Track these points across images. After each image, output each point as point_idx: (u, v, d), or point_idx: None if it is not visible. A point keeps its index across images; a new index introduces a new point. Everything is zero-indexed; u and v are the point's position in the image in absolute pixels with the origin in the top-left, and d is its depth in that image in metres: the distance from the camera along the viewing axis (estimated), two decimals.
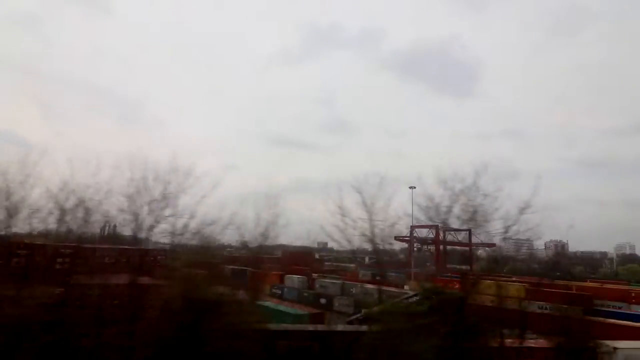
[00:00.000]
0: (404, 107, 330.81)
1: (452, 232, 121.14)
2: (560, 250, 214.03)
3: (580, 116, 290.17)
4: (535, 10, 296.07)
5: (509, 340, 15.65)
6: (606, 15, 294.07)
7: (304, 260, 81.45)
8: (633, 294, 40.90)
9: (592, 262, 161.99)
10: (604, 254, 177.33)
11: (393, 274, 65.71)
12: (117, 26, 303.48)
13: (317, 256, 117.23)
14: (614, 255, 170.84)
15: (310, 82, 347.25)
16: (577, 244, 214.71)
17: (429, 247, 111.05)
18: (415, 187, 58.36)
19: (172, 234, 15.52)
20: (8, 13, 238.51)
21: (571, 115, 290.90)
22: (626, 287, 49.95)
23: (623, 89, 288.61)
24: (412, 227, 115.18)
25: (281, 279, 56.90)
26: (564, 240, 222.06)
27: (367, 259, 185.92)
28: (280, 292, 48.59)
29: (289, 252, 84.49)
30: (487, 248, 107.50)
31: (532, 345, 16.94)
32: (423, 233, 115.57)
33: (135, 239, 17.30)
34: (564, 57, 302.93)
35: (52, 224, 14.64)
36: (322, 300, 47.21)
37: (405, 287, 51.53)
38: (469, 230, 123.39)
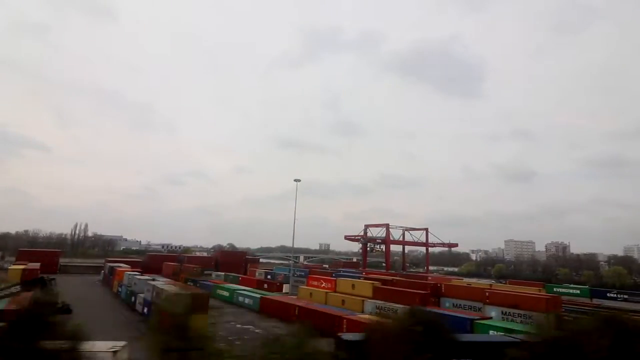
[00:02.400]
0: (410, 108, 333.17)
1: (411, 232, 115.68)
2: (554, 253, 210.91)
3: (586, 117, 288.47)
4: (536, 9, 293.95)
5: None
6: (610, 14, 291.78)
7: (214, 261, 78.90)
8: (487, 294, 39.26)
9: (588, 265, 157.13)
10: (612, 256, 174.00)
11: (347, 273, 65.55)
12: (124, 34, 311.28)
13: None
14: (606, 258, 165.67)
15: (314, 85, 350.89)
16: (583, 246, 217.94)
17: (380, 247, 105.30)
18: (300, 180, 53.84)
19: None
20: (19, 22, 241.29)
21: (578, 116, 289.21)
22: (486, 287, 47.87)
23: (628, 90, 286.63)
24: (366, 226, 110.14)
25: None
26: (566, 243, 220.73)
27: (301, 258, 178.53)
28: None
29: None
30: (447, 248, 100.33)
31: None
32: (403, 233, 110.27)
33: None
34: (567, 56, 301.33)
35: None
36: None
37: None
38: (426, 230, 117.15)
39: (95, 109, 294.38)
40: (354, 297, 41.46)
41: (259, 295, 39.18)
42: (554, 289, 58.86)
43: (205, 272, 72.09)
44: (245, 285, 60.21)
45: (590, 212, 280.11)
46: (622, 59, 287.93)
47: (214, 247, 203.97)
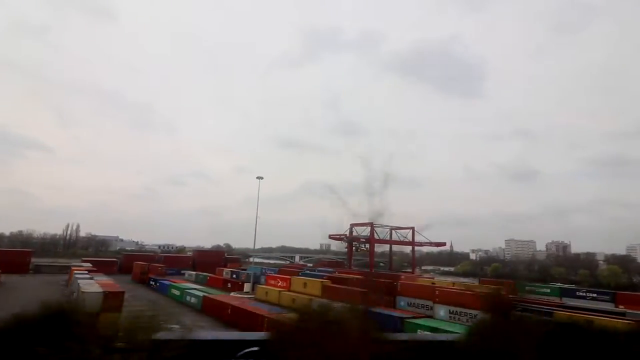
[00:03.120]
0: (410, 108, 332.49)
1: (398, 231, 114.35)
2: (552, 252, 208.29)
3: (587, 117, 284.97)
4: (536, 9, 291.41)
5: None
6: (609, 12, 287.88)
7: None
8: (437, 293, 38.62)
9: (584, 264, 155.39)
10: (610, 256, 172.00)
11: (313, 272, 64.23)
12: (124, 34, 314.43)
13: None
14: (602, 257, 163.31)
15: (314, 85, 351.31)
16: (586, 246, 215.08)
17: (365, 246, 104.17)
18: (262, 178, 53.30)
19: None
20: (19, 23, 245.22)
21: (580, 115, 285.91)
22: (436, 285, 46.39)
23: (629, 89, 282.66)
24: (352, 225, 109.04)
25: None
26: (566, 242, 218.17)
27: (297, 258, 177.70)
28: None
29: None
30: (435, 247, 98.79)
31: None
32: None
33: None
34: (568, 55, 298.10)
35: None
36: None
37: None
38: (412, 229, 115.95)
39: (96, 109, 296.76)
40: (304, 295, 40.88)
41: (201, 294, 38.55)
42: (525, 288, 57.51)
43: (182, 271, 72.14)
44: (212, 285, 59.97)
45: (593, 212, 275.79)
46: (622, 57, 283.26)
47: (212, 247, 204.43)
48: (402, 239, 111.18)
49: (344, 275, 52.91)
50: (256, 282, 52.04)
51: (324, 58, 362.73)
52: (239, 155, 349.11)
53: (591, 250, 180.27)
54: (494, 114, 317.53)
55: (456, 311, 37.35)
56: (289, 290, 44.30)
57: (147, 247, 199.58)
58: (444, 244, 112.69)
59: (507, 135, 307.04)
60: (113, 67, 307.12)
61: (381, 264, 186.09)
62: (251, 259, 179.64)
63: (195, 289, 42.16)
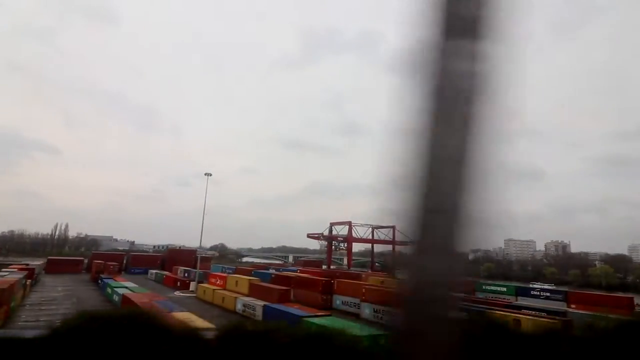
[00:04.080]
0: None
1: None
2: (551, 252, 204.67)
3: (591, 116, 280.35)
4: (536, 7, 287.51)
5: None
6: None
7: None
8: (364, 290, 38.08)
9: (579, 264, 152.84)
10: (604, 255, 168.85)
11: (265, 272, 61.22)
12: (129, 39, 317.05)
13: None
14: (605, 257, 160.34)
15: (317, 86, 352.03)
16: (588, 245, 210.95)
17: (343, 245, 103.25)
18: (211, 174, 52.71)
19: None
20: (25, 26, 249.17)
21: (583, 114, 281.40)
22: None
23: (628, 89, 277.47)
24: (331, 224, 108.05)
25: None
26: (566, 242, 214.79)
27: (290, 258, 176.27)
28: None
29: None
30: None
31: None
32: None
33: None
34: (568, 54, 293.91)
35: None
36: None
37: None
38: (393, 228, 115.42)
39: (102, 111, 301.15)
40: (233, 294, 40.22)
41: (122, 292, 37.98)
42: (483, 287, 55.93)
43: (149, 270, 72.04)
44: (166, 283, 59.61)
45: (599, 211, 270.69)
46: (624, 56, 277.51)
47: (211, 247, 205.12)
48: (384, 237, 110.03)
49: (289, 274, 52.09)
50: (201, 281, 51.40)
51: (324, 59, 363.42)
52: (244, 156, 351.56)
53: (593, 250, 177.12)
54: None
55: (381, 310, 36.27)
56: (224, 289, 43.64)
57: (144, 247, 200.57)
58: None
59: (515, 134, 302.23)
60: (117, 70, 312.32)
61: (377, 264, 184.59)
62: (244, 259, 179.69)
63: (123, 287, 41.61)
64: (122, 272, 74.66)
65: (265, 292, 36.98)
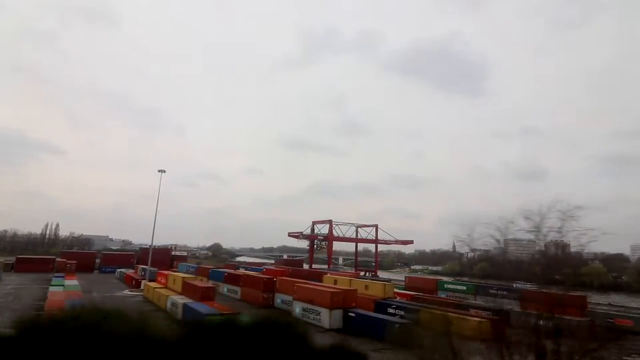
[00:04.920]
0: (415, 108, 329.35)
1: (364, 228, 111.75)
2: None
3: (595, 115, 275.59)
4: (536, 4, 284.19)
5: None
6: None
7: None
8: (295, 289, 37.52)
9: (571, 264, 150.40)
10: (599, 254, 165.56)
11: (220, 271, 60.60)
12: (133, 41, 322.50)
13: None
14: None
15: (319, 87, 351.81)
16: (592, 245, 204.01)
17: (324, 244, 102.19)
18: (164, 171, 52.12)
19: None
20: (27, 28, 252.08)
21: (587, 114, 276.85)
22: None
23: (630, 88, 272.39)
24: (313, 223, 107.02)
25: None
26: (566, 241, 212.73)
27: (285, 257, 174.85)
28: None
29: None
30: (402, 245, 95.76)
31: None
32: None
33: None
34: (570, 53, 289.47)
35: None
36: None
37: None
38: (376, 226, 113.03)
39: (106, 112, 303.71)
40: (169, 292, 39.58)
41: (54, 290, 37.56)
42: (445, 285, 54.56)
43: (118, 269, 71.77)
44: (126, 282, 59.24)
45: (607, 210, 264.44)
46: (624, 55, 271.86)
47: (209, 247, 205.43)
48: (366, 236, 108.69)
49: (240, 273, 51.31)
50: (152, 279, 50.80)
51: (327, 59, 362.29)
52: (247, 156, 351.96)
53: (596, 250, 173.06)
54: (498, 113, 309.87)
55: (308, 308, 35.23)
56: (166, 287, 42.98)
57: (143, 247, 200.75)
58: (410, 242, 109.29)
59: (513, 134, 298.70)
60: (119, 71, 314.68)
61: (372, 264, 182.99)
62: (238, 258, 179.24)
63: (61, 285, 41.18)
64: (95, 271, 74.82)
65: (192, 290, 36.19)
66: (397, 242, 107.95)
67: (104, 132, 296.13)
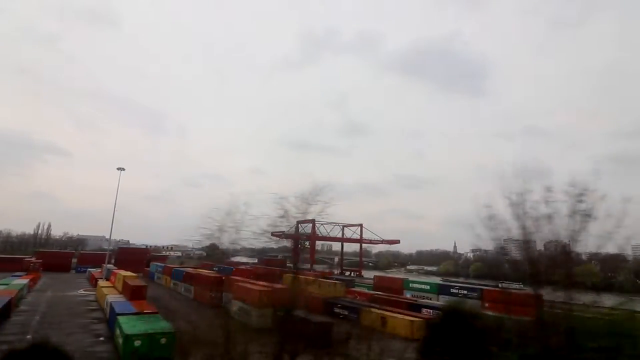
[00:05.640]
0: (418, 108, 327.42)
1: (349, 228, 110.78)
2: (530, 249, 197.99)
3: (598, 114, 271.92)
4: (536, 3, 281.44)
5: None
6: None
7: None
8: (234, 287, 37.47)
9: (563, 264, 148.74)
10: (594, 254, 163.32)
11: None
12: (135, 43, 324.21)
13: None
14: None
15: (319, 88, 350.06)
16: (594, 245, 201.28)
17: (306, 243, 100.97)
18: (124, 169, 51.31)
19: None
20: (30, 33, 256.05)
21: (591, 113, 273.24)
22: None
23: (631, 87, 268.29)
24: (298, 222, 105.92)
25: None
26: (567, 241, 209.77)
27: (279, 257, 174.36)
28: None
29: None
30: (388, 244, 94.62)
31: None
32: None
33: None
34: (572, 52, 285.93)
35: None
36: None
37: None
38: (360, 226, 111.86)
39: (111, 115, 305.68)
40: (113, 291, 39.03)
41: None
42: (410, 285, 53.35)
43: (89, 269, 71.36)
44: (91, 281, 58.83)
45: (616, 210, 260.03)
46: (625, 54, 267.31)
47: (203, 247, 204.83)
48: (351, 236, 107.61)
49: (193, 272, 50.78)
50: (108, 278, 50.33)
51: (325, 60, 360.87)
52: (251, 157, 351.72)
53: (597, 251, 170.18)
54: (499, 112, 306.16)
55: (242, 307, 34.39)
56: (112, 286, 42.39)
57: (142, 247, 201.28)
58: (397, 242, 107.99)
59: (516, 133, 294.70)
60: (120, 72, 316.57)
61: (370, 264, 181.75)
62: (234, 258, 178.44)
63: (4, 284, 40.66)
64: (71, 270, 74.66)
65: (127, 290, 35.47)
66: (383, 241, 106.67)
67: (107, 134, 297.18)
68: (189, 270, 54.84)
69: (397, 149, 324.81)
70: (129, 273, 44.62)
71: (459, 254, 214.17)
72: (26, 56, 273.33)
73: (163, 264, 67.70)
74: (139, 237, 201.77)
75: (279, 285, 38.35)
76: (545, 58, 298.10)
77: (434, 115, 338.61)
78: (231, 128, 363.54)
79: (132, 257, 79.72)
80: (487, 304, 43.30)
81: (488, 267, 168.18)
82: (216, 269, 69.07)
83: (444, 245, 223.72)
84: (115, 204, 52.39)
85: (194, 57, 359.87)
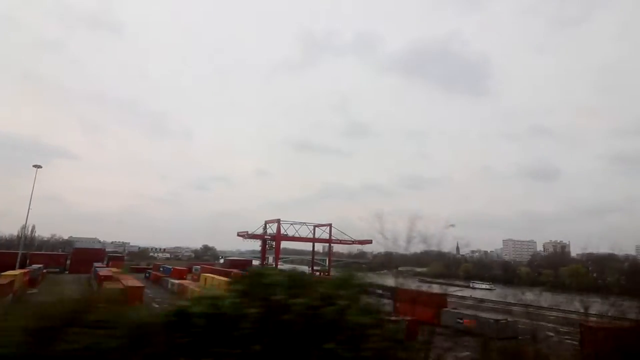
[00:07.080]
0: (421, 108, 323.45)
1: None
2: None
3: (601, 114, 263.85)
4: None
5: None
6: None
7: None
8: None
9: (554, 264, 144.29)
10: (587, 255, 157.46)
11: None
12: (139, 47, 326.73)
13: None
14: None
15: (320, 89, 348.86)
16: (596, 245, 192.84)
17: (272, 243, 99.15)
18: (41, 166, 49.25)
19: None
20: (35, 39, 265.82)
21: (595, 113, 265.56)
22: None
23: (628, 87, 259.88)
24: (266, 222, 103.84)
25: None
26: (565, 242, 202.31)
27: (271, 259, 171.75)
28: None
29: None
30: (359, 245, 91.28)
31: None
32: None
33: None
34: (574, 51, 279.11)
35: None
36: None
37: None
38: (330, 225, 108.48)
39: (117, 118, 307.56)
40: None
41: None
42: None
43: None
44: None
45: (622, 211, 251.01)
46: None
47: (200, 248, 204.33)
48: (320, 235, 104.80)
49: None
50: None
51: (326, 61, 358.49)
52: (255, 158, 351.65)
53: (598, 251, 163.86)
54: (503, 111, 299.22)
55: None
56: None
57: (140, 249, 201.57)
58: (369, 242, 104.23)
59: (521, 133, 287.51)
60: (124, 76, 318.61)
61: (364, 266, 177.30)
62: (221, 260, 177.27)
63: None
64: None
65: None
66: (354, 242, 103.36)
67: (115, 137, 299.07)
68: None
69: (400, 149, 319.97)
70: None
71: (462, 255, 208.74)
72: (31, 62, 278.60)
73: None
74: (143, 240, 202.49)
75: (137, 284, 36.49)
76: (545, 57, 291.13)
77: (437, 115, 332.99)
78: (233, 130, 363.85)
79: (88, 257, 78.46)
80: (398, 304, 40.54)
81: (477, 267, 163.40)
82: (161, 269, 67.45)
83: (446, 246, 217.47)
84: (30, 201, 51.05)
85: (195, 60, 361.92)
